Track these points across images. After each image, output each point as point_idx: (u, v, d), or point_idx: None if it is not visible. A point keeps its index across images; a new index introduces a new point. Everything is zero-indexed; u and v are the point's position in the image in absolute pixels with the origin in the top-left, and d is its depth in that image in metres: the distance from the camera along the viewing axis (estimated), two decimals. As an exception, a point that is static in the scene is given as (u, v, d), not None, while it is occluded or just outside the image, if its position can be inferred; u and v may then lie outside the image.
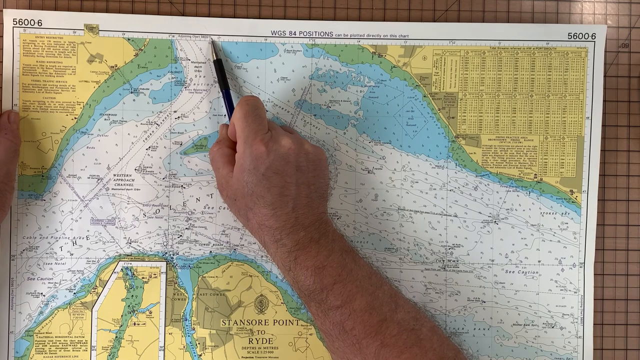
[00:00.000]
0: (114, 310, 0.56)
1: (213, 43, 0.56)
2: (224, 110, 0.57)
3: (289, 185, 0.50)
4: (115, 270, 0.57)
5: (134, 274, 0.57)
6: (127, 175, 0.57)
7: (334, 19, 0.58)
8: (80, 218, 0.56)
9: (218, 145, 0.54)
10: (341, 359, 0.50)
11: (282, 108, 0.57)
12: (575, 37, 0.58)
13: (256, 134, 0.50)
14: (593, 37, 0.58)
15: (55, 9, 0.56)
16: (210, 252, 0.57)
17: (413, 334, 0.49)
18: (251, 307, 0.57)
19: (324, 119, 0.58)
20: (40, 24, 0.56)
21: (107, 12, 0.57)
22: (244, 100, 0.52)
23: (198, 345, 0.57)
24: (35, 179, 0.56)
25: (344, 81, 0.58)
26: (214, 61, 0.56)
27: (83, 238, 0.56)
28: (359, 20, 0.58)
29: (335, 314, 0.49)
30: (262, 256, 0.57)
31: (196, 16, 0.57)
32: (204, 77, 0.57)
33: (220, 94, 0.56)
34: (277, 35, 0.57)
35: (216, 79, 0.56)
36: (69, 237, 0.56)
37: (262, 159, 0.50)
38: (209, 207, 0.57)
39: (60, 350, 0.56)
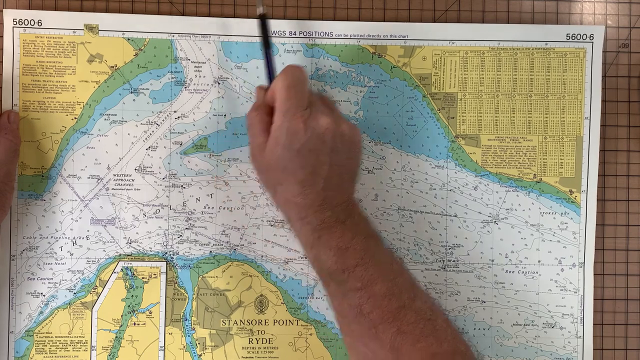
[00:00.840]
0: (114, 310, 0.56)
1: None
2: (224, 110, 0.57)
3: (322, 164, 0.49)
4: (115, 270, 0.56)
5: (134, 274, 0.57)
6: (127, 175, 0.57)
7: (334, 19, 0.58)
8: (80, 218, 0.56)
9: (257, 110, 0.52)
10: (355, 341, 0.49)
11: (282, 108, 0.57)
12: (573, 37, 0.58)
13: (297, 109, 0.49)
14: (591, 38, 0.58)
15: (55, 9, 0.56)
16: (210, 252, 0.57)
17: (429, 323, 0.48)
18: (251, 307, 0.57)
19: (324, 119, 0.58)
20: (40, 24, 0.56)
21: (107, 12, 0.57)
22: (290, 69, 0.50)
23: (198, 345, 0.57)
24: (35, 179, 0.56)
25: (343, 81, 0.58)
26: (258, 15, 0.53)
27: (83, 238, 0.56)
28: (359, 20, 0.58)
29: (354, 296, 0.48)
30: (262, 256, 0.57)
31: (196, 16, 0.57)
32: (204, 77, 0.57)
33: (263, 53, 0.54)
34: (277, 35, 0.57)
35: (260, 39, 0.54)
36: (69, 237, 0.56)
37: (298, 136, 0.49)
38: (209, 207, 0.57)
39: (60, 350, 0.56)
